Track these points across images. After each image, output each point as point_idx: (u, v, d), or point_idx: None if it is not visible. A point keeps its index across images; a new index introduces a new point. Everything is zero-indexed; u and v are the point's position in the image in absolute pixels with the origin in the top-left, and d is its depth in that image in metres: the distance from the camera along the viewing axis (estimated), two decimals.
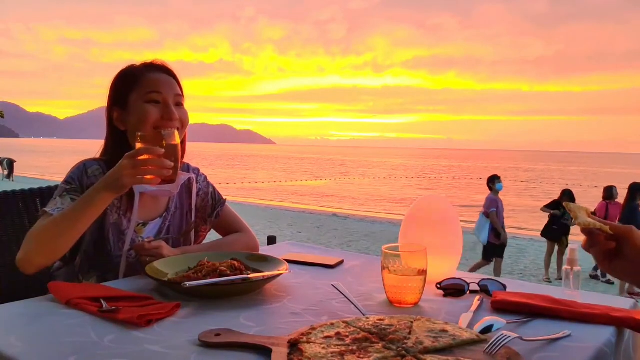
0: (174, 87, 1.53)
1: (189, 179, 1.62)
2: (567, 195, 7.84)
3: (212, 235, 1.69)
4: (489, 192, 7.28)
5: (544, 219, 8.20)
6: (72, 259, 1.51)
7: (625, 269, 0.97)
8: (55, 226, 1.31)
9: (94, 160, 1.54)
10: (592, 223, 0.95)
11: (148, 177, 1.29)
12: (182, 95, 1.54)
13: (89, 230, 1.41)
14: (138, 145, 1.30)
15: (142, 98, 1.47)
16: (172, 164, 1.31)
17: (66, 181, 1.47)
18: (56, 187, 1.80)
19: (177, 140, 1.36)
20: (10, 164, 22.83)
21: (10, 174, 22.56)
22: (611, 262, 0.98)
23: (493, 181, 7.30)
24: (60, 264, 1.53)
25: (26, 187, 1.85)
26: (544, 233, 8.03)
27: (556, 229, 7.77)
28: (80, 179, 1.47)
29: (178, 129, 1.46)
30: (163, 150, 1.29)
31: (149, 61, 1.57)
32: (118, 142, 1.53)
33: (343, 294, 1.22)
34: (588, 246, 0.98)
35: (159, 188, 1.50)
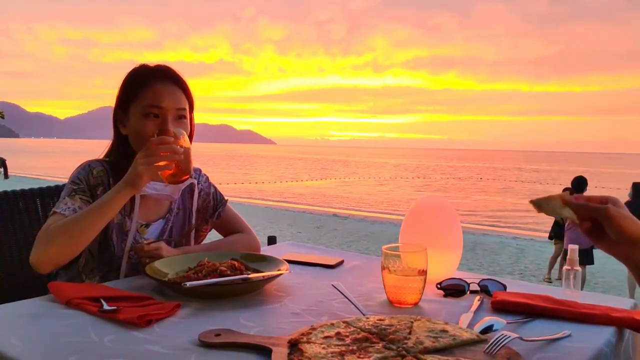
0: (178, 100, 1.49)
1: (191, 183, 1.62)
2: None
3: (213, 236, 1.69)
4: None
5: (545, 218, 8.12)
6: (75, 260, 1.51)
7: (608, 248, 0.94)
8: (74, 225, 1.32)
9: (98, 161, 1.54)
10: (557, 213, 0.91)
11: (162, 163, 1.33)
12: (186, 109, 1.50)
13: None
14: None
15: (141, 110, 1.46)
16: (183, 149, 1.36)
17: (73, 181, 1.47)
18: (56, 187, 1.80)
19: (187, 142, 1.40)
20: (3, 162, 23.28)
21: (5, 173, 22.97)
22: (599, 241, 0.94)
23: (587, 183, 7.02)
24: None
25: (26, 187, 1.85)
26: (553, 234, 7.69)
27: (562, 229, 7.56)
28: (87, 179, 1.48)
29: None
30: (172, 138, 1.35)
31: (161, 66, 1.53)
32: (122, 144, 1.53)
33: (343, 294, 1.22)
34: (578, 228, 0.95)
35: (162, 192, 1.50)
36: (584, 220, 0.94)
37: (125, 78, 1.53)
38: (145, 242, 1.46)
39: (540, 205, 0.93)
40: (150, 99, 1.46)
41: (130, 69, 1.54)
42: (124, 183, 1.34)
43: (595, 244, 0.96)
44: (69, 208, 1.39)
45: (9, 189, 1.78)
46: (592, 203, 0.93)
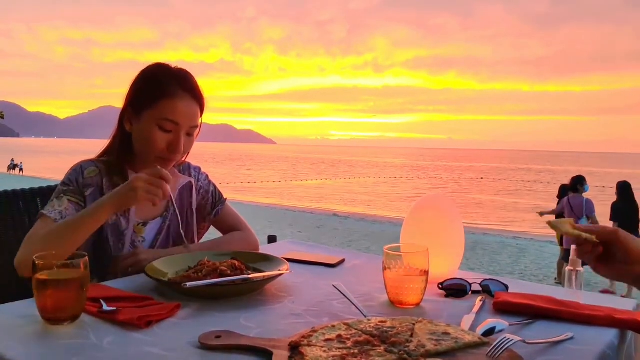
0: (194, 117, 1.46)
1: (189, 181, 1.61)
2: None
3: (213, 234, 1.68)
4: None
5: (544, 219, 8.08)
6: None
7: (618, 271, 1.01)
8: (58, 233, 1.31)
9: (92, 161, 1.53)
10: (575, 233, 0.99)
11: (157, 200, 1.30)
12: (198, 126, 1.48)
13: None
14: None
15: (156, 119, 1.42)
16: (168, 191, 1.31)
17: (64, 182, 1.47)
18: (57, 186, 1.79)
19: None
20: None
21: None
22: (605, 266, 1.01)
23: (582, 182, 7.06)
24: None
25: (26, 186, 1.85)
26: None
27: None
28: (77, 180, 1.47)
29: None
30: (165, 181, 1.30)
31: (183, 74, 1.47)
32: (125, 143, 1.50)
33: (344, 295, 1.21)
34: (580, 254, 1.03)
35: None
36: (596, 245, 0.99)
37: (144, 76, 1.47)
38: (121, 256, 1.45)
39: (555, 226, 1.04)
40: (169, 112, 1.41)
41: (136, 67, 1.51)
42: (112, 201, 1.30)
43: (602, 270, 1.02)
44: (55, 210, 1.39)
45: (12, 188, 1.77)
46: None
